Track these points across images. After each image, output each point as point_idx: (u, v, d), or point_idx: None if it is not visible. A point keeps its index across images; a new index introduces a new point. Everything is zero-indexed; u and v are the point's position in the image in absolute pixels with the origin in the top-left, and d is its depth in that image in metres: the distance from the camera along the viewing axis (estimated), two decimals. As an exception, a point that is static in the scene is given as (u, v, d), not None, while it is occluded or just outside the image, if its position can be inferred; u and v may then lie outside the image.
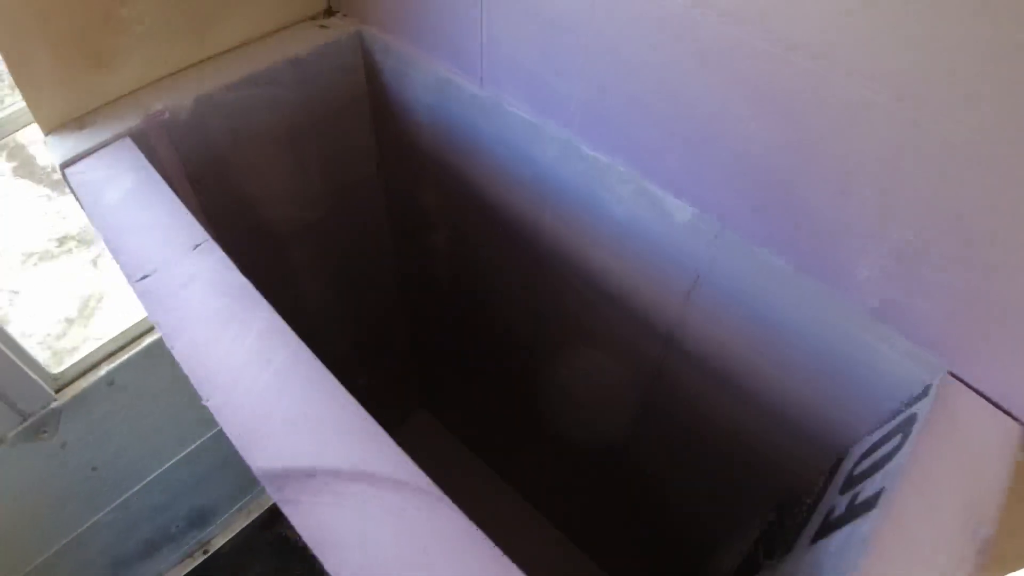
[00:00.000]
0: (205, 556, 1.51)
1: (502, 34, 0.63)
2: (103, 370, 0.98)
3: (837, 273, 0.48)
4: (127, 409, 1.06)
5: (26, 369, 0.88)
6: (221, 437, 1.27)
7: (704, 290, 0.60)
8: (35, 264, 2.48)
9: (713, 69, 0.47)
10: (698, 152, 0.52)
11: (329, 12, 0.82)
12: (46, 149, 0.66)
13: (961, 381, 0.46)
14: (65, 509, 1.12)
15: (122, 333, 0.98)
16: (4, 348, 0.84)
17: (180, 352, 0.44)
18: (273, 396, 0.42)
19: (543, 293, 0.83)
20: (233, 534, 1.53)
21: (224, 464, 1.37)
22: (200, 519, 1.46)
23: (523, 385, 1.03)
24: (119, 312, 0.98)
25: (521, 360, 0.98)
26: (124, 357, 0.99)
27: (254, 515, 1.55)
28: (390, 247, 1.07)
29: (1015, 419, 0.44)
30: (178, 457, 1.24)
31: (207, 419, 1.24)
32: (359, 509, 0.37)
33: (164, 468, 1.23)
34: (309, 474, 0.38)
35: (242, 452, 0.39)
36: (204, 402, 0.42)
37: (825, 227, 0.47)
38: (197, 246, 0.53)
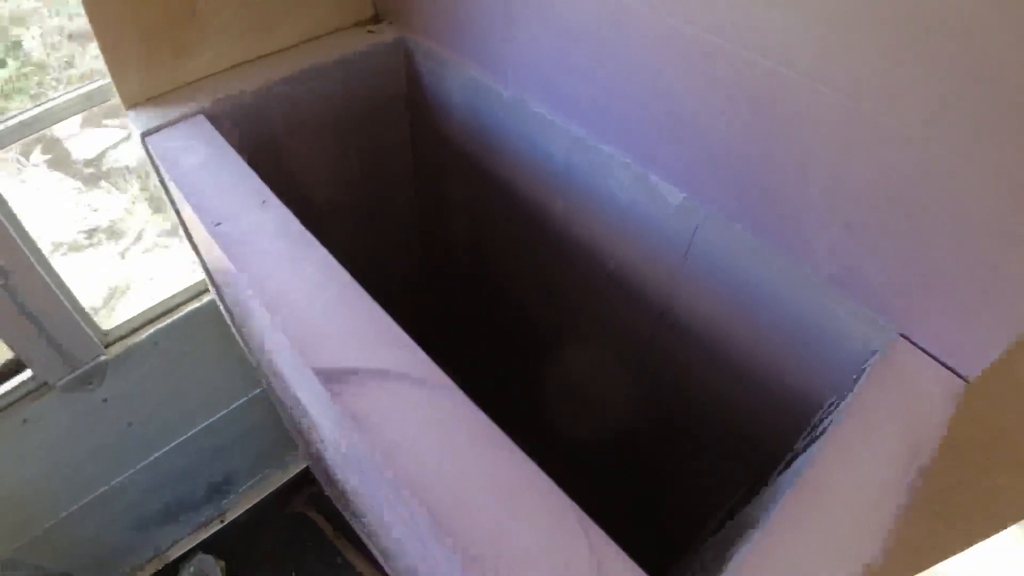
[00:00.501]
0: (221, 525, 1.59)
1: (527, 43, 0.73)
2: (149, 331, 1.08)
3: (800, 246, 0.57)
4: (166, 371, 1.16)
5: (80, 321, 0.98)
6: (246, 408, 1.37)
7: (691, 265, 0.69)
8: (64, 254, 2.60)
9: (697, 74, 0.56)
10: (686, 144, 0.62)
11: (376, 19, 0.94)
12: (130, 122, 0.77)
13: (910, 341, 0.54)
14: (98, 463, 1.21)
15: (170, 298, 1.08)
16: (62, 297, 0.94)
17: (251, 279, 0.54)
18: (328, 314, 0.51)
19: (553, 275, 0.92)
20: (250, 505, 1.61)
21: (247, 435, 1.46)
22: (220, 488, 1.54)
23: (530, 359, 1.11)
24: (144, 303, 1.08)
25: (531, 337, 1.07)
26: (169, 321, 1.09)
27: (270, 489, 1.63)
28: (415, 234, 1.17)
29: (955, 373, 0.52)
30: (206, 423, 1.33)
31: (235, 390, 1.34)
32: (395, 397, 0.46)
33: (193, 432, 1.31)
34: (353, 372, 0.47)
35: (303, 355, 0.49)
36: (272, 317, 0.52)
37: (789, 206, 0.56)
38: (264, 202, 0.63)
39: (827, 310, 0.58)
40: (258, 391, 1.38)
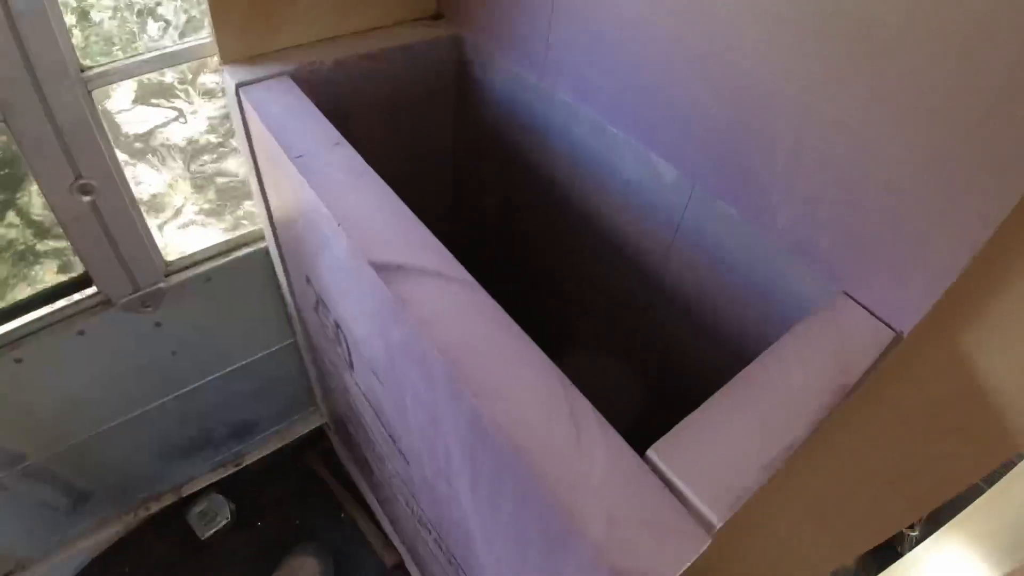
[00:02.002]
0: (237, 468, 1.71)
1: (559, 43, 0.87)
2: (205, 267, 1.22)
3: (768, 219, 0.70)
4: (214, 307, 1.29)
5: (149, 247, 1.13)
6: (276, 357, 1.50)
7: (681, 237, 0.82)
8: None
9: (694, 71, 0.70)
10: (681, 128, 0.75)
11: (437, 16, 1.09)
12: (226, 75, 0.92)
13: (851, 298, 0.66)
14: (139, 385, 1.34)
15: (228, 240, 1.23)
16: (138, 222, 1.09)
17: (323, 196, 0.68)
18: (383, 226, 0.65)
19: (568, 244, 1.05)
20: (265, 454, 1.73)
21: (272, 385, 1.58)
22: (241, 432, 1.66)
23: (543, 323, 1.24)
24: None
25: (545, 303, 1.19)
26: (223, 261, 1.23)
27: (286, 441, 1.75)
28: (448, 206, 1.31)
29: (888, 326, 0.64)
30: (239, 364, 1.46)
31: (270, 337, 1.47)
32: (431, 287, 0.59)
33: (226, 371, 1.45)
34: (401, 267, 0.61)
35: (364, 252, 0.62)
36: (336, 225, 0.65)
37: (760, 183, 0.68)
38: (336, 144, 0.77)
39: (786, 274, 0.70)
40: (289, 341, 1.51)
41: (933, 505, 0.80)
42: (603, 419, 0.50)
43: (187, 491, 1.66)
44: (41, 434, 1.27)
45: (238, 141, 1.01)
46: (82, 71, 0.89)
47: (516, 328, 0.56)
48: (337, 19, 0.99)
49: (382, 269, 0.60)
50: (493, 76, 1.03)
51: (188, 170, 3.01)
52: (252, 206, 1.36)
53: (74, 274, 1.12)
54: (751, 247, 0.73)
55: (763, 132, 0.65)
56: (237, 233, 1.24)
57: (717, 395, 0.53)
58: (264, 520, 1.69)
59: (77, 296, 1.12)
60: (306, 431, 1.79)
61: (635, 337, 1.01)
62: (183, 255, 1.20)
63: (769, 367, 0.56)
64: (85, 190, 0.98)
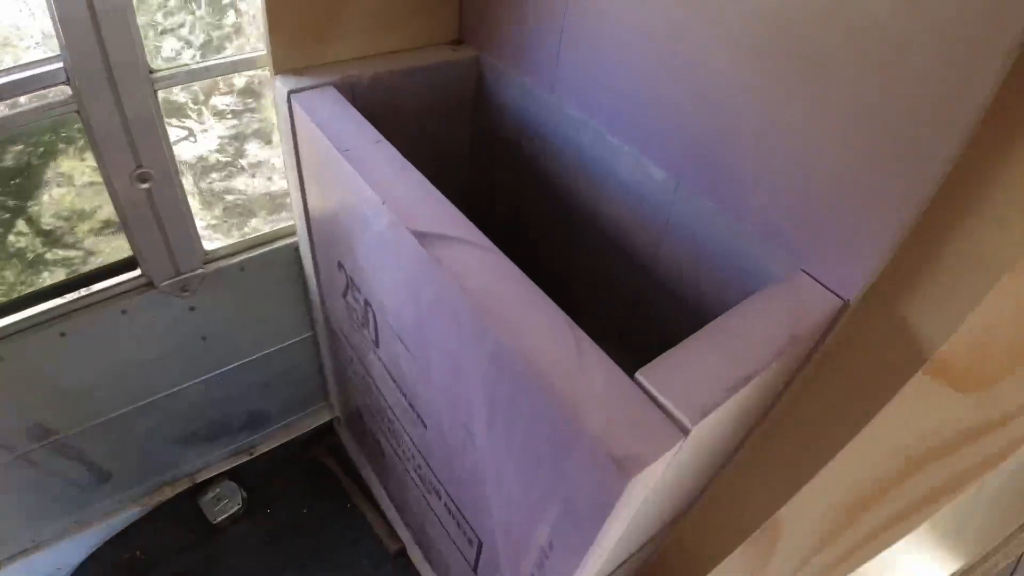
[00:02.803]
0: (250, 457, 1.80)
1: (568, 63, 1.02)
2: (240, 257, 1.34)
3: (743, 209, 0.83)
4: (243, 296, 1.41)
5: (192, 234, 1.25)
6: (294, 349, 1.61)
7: (670, 229, 0.95)
8: (114, 232, 2.90)
9: (680, 85, 0.84)
10: (668, 136, 0.89)
11: (459, 41, 1.25)
12: (277, 83, 1.06)
13: (807, 273, 0.79)
14: (169, 367, 1.44)
15: (262, 233, 1.35)
16: (185, 211, 1.21)
17: (368, 181, 0.81)
18: (420, 205, 0.78)
19: (571, 241, 1.18)
20: (277, 445, 1.82)
21: (287, 377, 1.69)
22: (258, 421, 1.76)
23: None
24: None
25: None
26: (256, 252, 1.36)
27: (297, 434, 1.85)
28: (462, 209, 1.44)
29: (836, 295, 0.76)
30: (261, 354, 1.57)
31: (290, 329, 1.59)
32: (461, 251, 0.71)
33: (248, 360, 1.55)
34: (439, 236, 0.73)
35: (405, 223, 0.75)
36: (381, 203, 0.78)
37: (732, 179, 0.82)
38: (377, 141, 0.91)
39: (757, 255, 0.83)
40: (307, 335, 1.62)
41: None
42: (602, 351, 0.63)
43: (201, 477, 1.75)
44: (74, 409, 1.37)
45: (282, 144, 1.15)
46: (151, 72, 1.03)
47: (531, 283, 0.69)
48: (374, 40, 1.14)
49: (420, 236, 0.73)
50: (507, 92, 1.18)
51: (197, 187, 3.15)
52: (258, 223, 1.49)
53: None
54: (728, 234, 0.86)
55: (733, 136, 0.80)
56: (271, 228, 1.37)
57: (691, 337, 0.66)
58: (273, 507, 1.77)
59: (124, 276, 1.24)
60: (315, 425, 1.89)
61: (631, 323, 1.13)
62: (222, 244, 1.33)
63: (734, 319, 0.69)
64: (144, 178, 1.11)
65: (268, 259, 1.38)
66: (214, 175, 2.83)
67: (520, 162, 1.21)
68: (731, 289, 0.89)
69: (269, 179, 1.57)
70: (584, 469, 0.58)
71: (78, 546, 1.66)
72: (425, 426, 1.01)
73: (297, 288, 1.50)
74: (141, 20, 0.98)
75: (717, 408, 0.59)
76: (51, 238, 1.92)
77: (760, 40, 0.72)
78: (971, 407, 0.30)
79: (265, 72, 1.20)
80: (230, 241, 1.34)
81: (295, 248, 1.40)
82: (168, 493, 1.73)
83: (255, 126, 1.55)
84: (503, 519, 0.84)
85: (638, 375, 0.61)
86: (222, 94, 1.89)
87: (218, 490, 1.74)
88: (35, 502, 1.51)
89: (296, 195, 1.19)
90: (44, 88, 0.96)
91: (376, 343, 1.09)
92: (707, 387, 0.60)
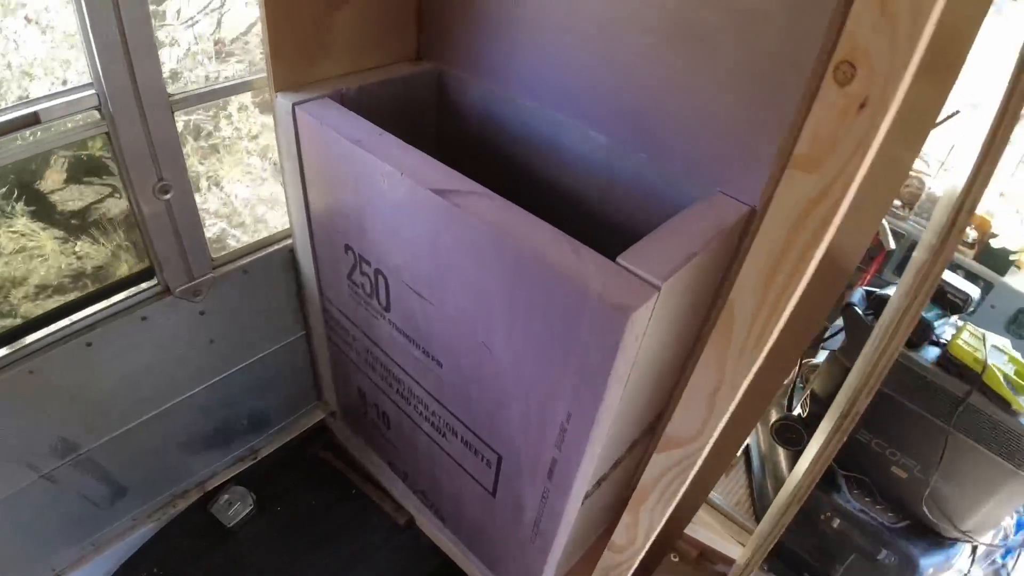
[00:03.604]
0: (254, 461, 1.90)
1: (518, 64, 1.28)
2: (244, 260, 1.50)
3: (672, 157, 1.11)
4: (245, 298, 1.56)
5: (203, 241, 1.40)
6: (288, 349, 1.75)
7: (614, 181, 1.22)
8: (48, 295, 2.88)
9: (606, 68, 1.12)
10: (604, 108, 1.16)
11: (419, 57, 1.49)
12: (280, 98, 1.25)
13: (724, 193, 1.07)
14: (181, 372, 1.55)
15: (263, 238, 1.52)
16: (196, 217, 1.37)
17: (383, 159, 1.03)
18: (429, 171, 1.00)
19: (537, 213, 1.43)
20: (277, 446, 1.93)
21: (285, 375, 1.82)
22: (258, 423, 1.87)
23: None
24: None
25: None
26: (258, 255, 1.52)
27: (295, 434, 1.97)
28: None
29: (744, 203, 1.05)
30: (261, 355, 1.70)
31: (285, 329, 1.73)
32: (475, 199, 0.95)
33: (250, 361, 1.68)
34: (453, 191, 0.96)
35: (422, 184, 0.97)
36: (400, 174, 1.00)
37: (658, 134, 1.10)
38: (381, 133, 1.12)
39: (687, 189, 1.11)
40: (299, 335, 1.77)
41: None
42: (592, 249, 0.87)
43: (210, 485, 1.84)
44: (96, 420, 1.45)
45: (283, 154, 1.34)
46: (169, 96, 1.20)
47: (530, 214, 0.93)
48: (355, 59, 1.36)
49: (439, 192, 0.96)
50: (468, 94, 1.43)
51: (129, 241, 3.16)
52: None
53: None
54: (659, 175, 1.14)
55: (655, 102, 1.08)
56: (264, 235, 1.54)
57: (648, 236, 0.91)
58: (283, 504, 1.88)
59: (143, 285, 1.37)
60: (310, 425, 2.02)
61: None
62: (227, 250, 1.48)
63: (677, 223, 0.96)
64: (164, 190, 1.26)
65: (267, 262, 1.54)
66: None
67: (485, 150, 1.46)
68: (661, 219, 1.16)
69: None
70: (593, 324, 0.82)
71: (95, 570, 1.70)
72: (441, 366, 1.22)
73: (291, 288, 1.66)
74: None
75: (675, 273, 0.84)
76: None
77: (666, 27, 1.01)
78: (813, 182, 0.55)
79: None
80: (237, 246, 1.50)
81: (290, 250, 1.57)
82: (180, 505, 1.80)
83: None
84: (522, 414, 1.06)
85: (619, 259, 0.86)
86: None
87: (228, 495, 1.84)
88: (52, 526, 1.55)
89: (296, 197, 1.38)
90: (78, 112, 1.11)
91: (387, 308, 1.28)
92: (666, 261, 0.86)
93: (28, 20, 1.30)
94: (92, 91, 1.10)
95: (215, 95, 1.29)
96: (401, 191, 1.03)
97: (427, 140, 1.56)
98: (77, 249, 1.75)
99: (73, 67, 1.37)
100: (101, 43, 1.05)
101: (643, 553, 1.05)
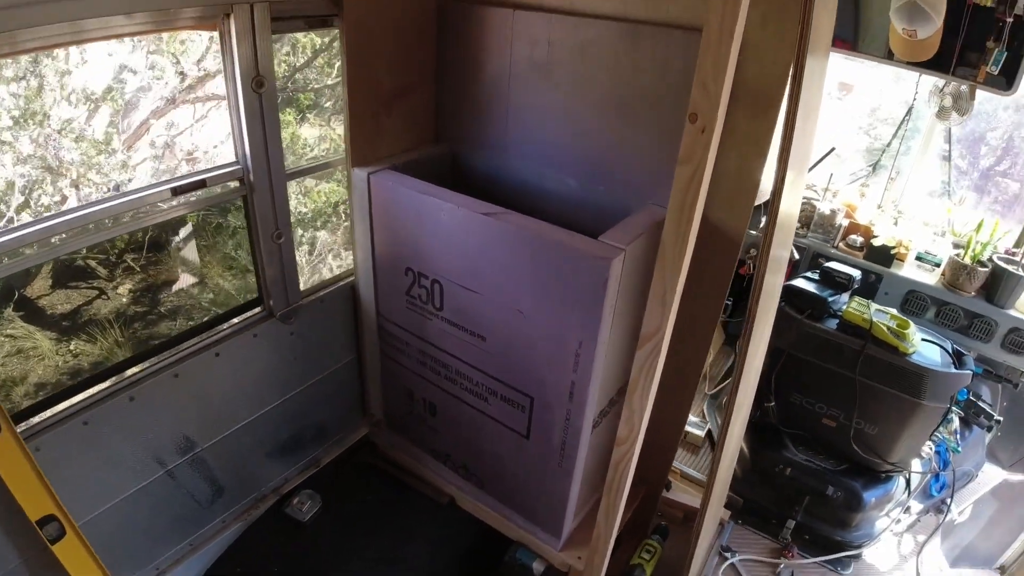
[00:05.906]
0: (316, 468, 2.30)
1: (512, 135, 1.93)
2: (321, 292, 2.02)
3: (617, 187, 1.74)
4: (319, 323, 2.05)
5: (296, 275, 1.92)
6: (343, 370, 2.24)
7: (580, 208, 1.84)
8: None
9: (574, 133, 1.77)
10: (573, 160, 1.80)
11: (438, 139, 2.13)
12: (356, 170, 1.84)
13: (654, 204, 1.70)
14: (272, 384, 1.99)
15: (336, 276, 2.05)
16: (294, 257, 1.90)
17: (443, 199, 1.62)
18: (470, 203, 1.61)
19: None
20: (333, 456, 2.34)
21: (339, 393, 2.27)
22: (320, 434, 2.29)
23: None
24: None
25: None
26: (331, 289, 2.04)
27: (346, 446, 2.38)
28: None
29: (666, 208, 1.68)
30: (324, 374, 2.16)
31: (343, 351, 2.22)
32: (511, 216, 1.55)
33: (317, 379, 2.14)
34: (493, 213, 1.56)
35: (473, 210, 1.56)
36: (456, 207, 1.59)
37: (611, 174, 1.74)
38: (432, 186, 1.73)
39: (632, 205, 1.74)
40: (350, 358, 2.26)
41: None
42: (583, 235, 1.47)
43: (284, 490, 2.23)
44: (209, 423, 1.85)
45: (356, 211, 1.91)
46: (285, 171, 1.78)
47: (543, 221, 1.53)
48: (396, 144, 1.99)
49: (488, 215, 1.55)
50: (475, 159, 2.07)
51: (123, 336, 3.47)
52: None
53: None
54: (612, 199, 1.77)
55: (606, 152, 1.73)
56: (337, 272, 2.08)
57: (613, 227, 1.52)
58: (346, 502, 2.27)
59: (255, 311, 1.88)
60: (358, 436, 2.45)
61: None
62: (313, 283, 2.01)
63: (629, 220, 1.58)
64: (278, 237, 1.81)
65: (337, 294, 2.07)
66: (136, 324, 3.20)
67: (488, 197, 2.08)
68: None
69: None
70: (586, 273, 1.40)
71: (189, 570, 1.96)
72: (484, 340, 1.75)
73: (349, 317, 2.17)
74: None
75: (633, 242, 1.45)
76: None
77: (607, 104, 1.68)
78: (687, 171, 1.17)
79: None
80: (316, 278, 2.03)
81: (351, 286, 2.10)
82: (261, 508, 2.18)
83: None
84: (548, 353, 1.60)
85: (600, 238, 1.46)
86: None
87: (299, 497, 2.23)
88: (163, 524, 1.84)
89: (365, 243, 1.94)
90: (230, 181, 1.67)
91: (440, 307, 1.83)
92: (627, 238, 1.47)
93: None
94: (238, 166, 1.67)
95: (314, 169, 1.88)
96: (457, 219, 1.61)
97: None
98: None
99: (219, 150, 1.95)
100: (251, 136, 1.63)
101: (640, 442, 1.56)
